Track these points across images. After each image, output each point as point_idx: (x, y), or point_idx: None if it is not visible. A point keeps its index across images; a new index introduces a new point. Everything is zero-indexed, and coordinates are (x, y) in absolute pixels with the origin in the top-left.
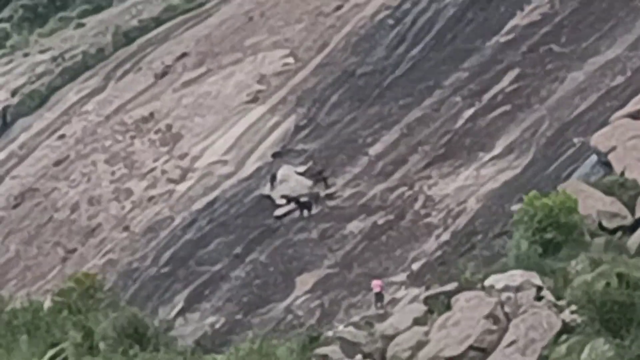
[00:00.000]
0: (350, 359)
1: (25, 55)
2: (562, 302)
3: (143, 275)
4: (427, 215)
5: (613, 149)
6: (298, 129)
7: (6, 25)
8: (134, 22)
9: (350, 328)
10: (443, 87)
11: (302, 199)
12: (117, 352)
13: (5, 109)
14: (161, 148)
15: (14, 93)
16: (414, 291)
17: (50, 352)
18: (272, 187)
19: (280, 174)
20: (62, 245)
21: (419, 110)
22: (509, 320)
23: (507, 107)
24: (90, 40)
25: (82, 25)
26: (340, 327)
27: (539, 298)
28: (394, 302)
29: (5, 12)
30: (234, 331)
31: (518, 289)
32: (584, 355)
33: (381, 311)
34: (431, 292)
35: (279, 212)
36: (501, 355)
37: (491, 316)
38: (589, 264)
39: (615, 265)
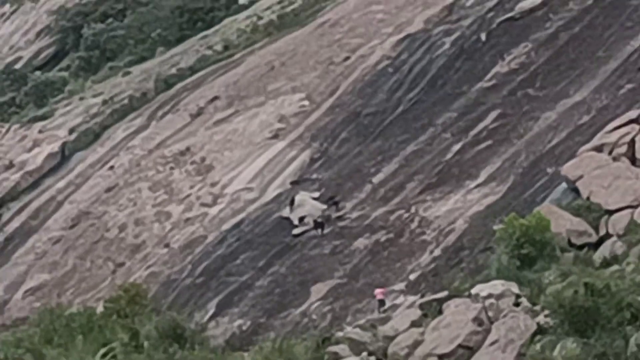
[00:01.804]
0: (357, 356)
1: (81, 98)
2: (537, 308)
3: (180, 285)
4: (422, 233)
5: (580, 177)
6: (313, 161)
7: (65, 73)
8: (173, 71)
9: (357, 329)
10: (435, 125)
11: (317, 220)
12: (159, 350)
13: (64, 144)
14: (196, 177)
15: (71, 131)
16: (411, 298)
17: (102, 350)
18: (291, 210)
19: (297, 199)
20: (112, 259)
21: (414, 145)
22: (491, 323)
23: (489, 142)
24: (135, 86)
25: (128, 73)
26: (349, 329)
27: (517, 304)
28: (394, 307)
29: (64, 63)
30: (258, 332)
31: (499, 296)
32: (556, 352)
33: (383, 315)
34: (425, 299)
35: (296, 231)
36: (485, 353)
37: (477, 319)
38: (560, 275)
39: (582, 276)
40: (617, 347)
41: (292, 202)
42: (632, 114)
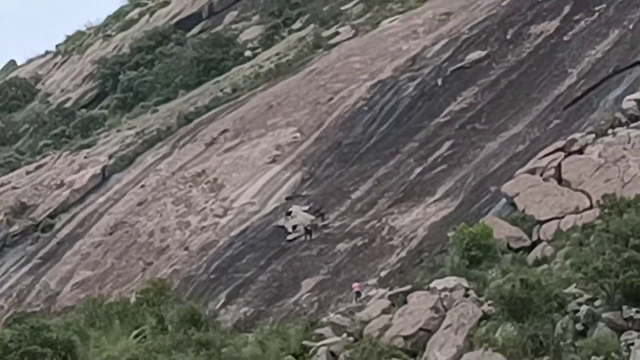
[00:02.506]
0: (338, 336)
1: (118, 131)
2: (482, 298)
3: (197, 280)
4: (391, 239)
5: (517, 194)
6: (303, 181)
7: (105, 111)
8: (192, 109)
9: (339, 315)
10: (401, 153)
11: (307, 228)
12: (180, 332)
13: (104, 167)
14: (210, 194)
15: (110, 157)
16: (382, 291)
17: (135, 332)
18: (286, 220)
19: (289, 212)
20: (142, 260)
21: (384, 168)
22: (446, 310)
23: (444, 166)
24: (161, 121)
25: (156, 110)
26: (332, 315)
27: (466, 295)
28: (368, 298)
29: (105, 102)
30: (260, 318)
31: (452, 289)
32: (497, 334)
33: (359, 304)
34: (393, 291)
35: (290, 237)
36: (441, 335)
37: (434, 308)
38: (500, 272)
39: (518, 273)
40: (546, 330)
41: (287, 214)
42: (559, 144)
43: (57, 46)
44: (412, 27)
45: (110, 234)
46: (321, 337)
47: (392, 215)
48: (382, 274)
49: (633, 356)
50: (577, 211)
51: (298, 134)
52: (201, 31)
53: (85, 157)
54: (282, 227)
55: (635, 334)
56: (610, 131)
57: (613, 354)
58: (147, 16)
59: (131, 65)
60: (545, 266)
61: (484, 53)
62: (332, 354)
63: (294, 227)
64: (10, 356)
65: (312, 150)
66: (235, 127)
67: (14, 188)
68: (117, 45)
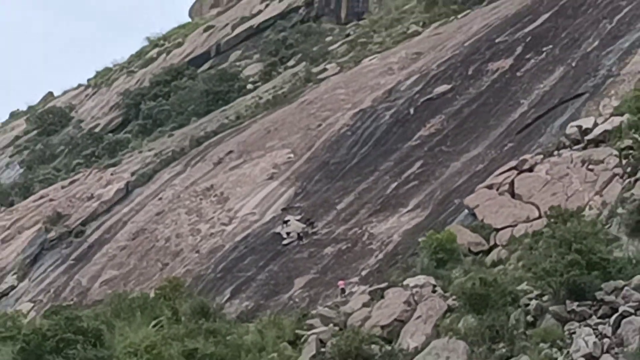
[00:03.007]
0: (326, 326)
1: (139, 152)
2: (447, 294)
3: (206, 278)
4: (370, 244)
5: (477, 206)
6: (296, 195)
7: (129, 135)
8: (202, 133)
9: (326, 309)
10: (379, 171)
11: (299, 234)
12: (192, 322)
13: (128, 182)
14: (217, 205)
15: (133, 174)
16: (363, 287)
17: (153, 322)
18: (282, 228)
19: (285, 221)
20: (160, 261)
21: (365, 184)
22: (417, 304)
23: (416, 182)
24: (176, 144)
25: (172, 135)
26: (320, 308)
27: (434, 291)
28: (351, 294)
29: (128, 128)
30: (259, 310)
31: (422, 286)
32: (460, 324)
33: (344, 299)
34: (372, 288)
35: (285, 242)
36: (412, 324)
37: (407, 302)
38: (463, 272)
39: (478, 273)
40: (501, 321)
41: (284, 222)
42: (512, 163)
43: (88, 80)
44: (388, 65)
45: (133, 239)
46: (311, 326)
47: (371, 224)
48: (363, 273)
49: (575, 343)
50: (527, 220)
51: (292, 155)
52: (210, 68)
53: (112, 174)
54: (278, 233)
55: (576, 324)
56: (556, 152)
57: (558, 341)
58: (164, 55)
59: (150, 96)
60: (500, 267)
61: (449, 86)
62: (321, 341)
63: (288, 233)
64: (48, 342)
65: (304, 169)
66: (238, 148)
67: (51, 200)
68: (138, 79)
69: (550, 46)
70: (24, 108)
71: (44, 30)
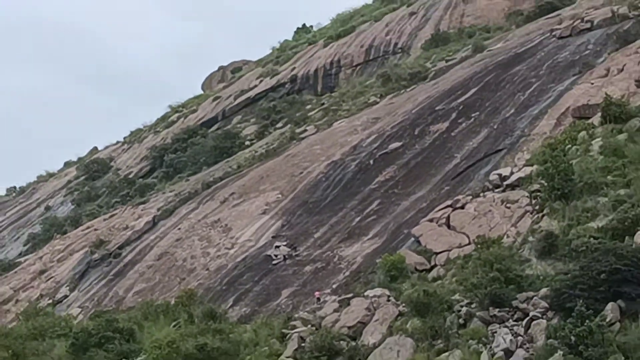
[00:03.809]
0: (305, 327)
1: (163, 193)
2: (398, 302)
3: (214, 290)
4: (339, 264)
5: (421, 235)
6: (282, 226)
7: (155, 180)
8: (211, 178)
9: (306, 313)
10: (346, 208)
11: (285, 256)
12: (203, 323)
13: (154, 216)
14: (222, 234)
15: (158, 210)
16: (334, 297)
17: (173, 323)
18: (272, 251)
19: (275, 246)
20: (179, 276)
21: (336, 218)
22: (375, 310)
23: (374, 217)
24: (191, 187)
25: (188, 179)
26: (301, 313)
27: (388, 300)
28: (324, 302)
29: (155, 174)
30: (254, 314)
31: (379, 296)
32: (408, 325)
33: (319, 306)
34: (341, 297)
35: (274, 262)
36: (372, 326)
37: (367, 308)
38: (410, 285)
39: (421, 286)
40: (440, 323)
41: (276, 247)
42: (448, 202)
43: (124, 138)
44: (353, 127)
45: (158, 259)
46: (294, 327)
47: (340, 248)
48: (334, 286)
49: (496, 340)
50: (460, 246)
51: (280, 195)
52: (217, 129)
53: (142, 210)
54: (269, 255)
55: (497, 325)
56: (481, 194)
57: (483, 339)
58: (182, 118)
59: (172, 150)
60: (439, 281)
61: (400, 144)
62: (302, 338)
63: (277, 255)
64: (92, 339)
65: (289, 206)
66: (239, 190)
67: (95, 230)
68: (162, 137)
69: (477, 113)
70: (75, 159)
71: (90, 102)
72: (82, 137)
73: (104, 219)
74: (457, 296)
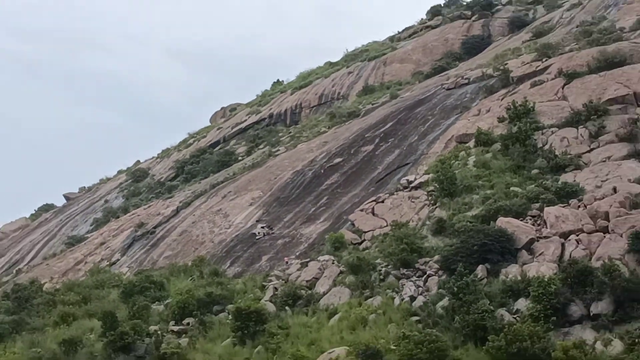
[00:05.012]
0: (278, 280)
1: (183, 191)
2: (340, 265)
3: (217, 256)
4: (300, 239)
5: (355, 219)
6: (263, 214)
7: (178, 182)
8: (215, 182)
9: (278, 272)
10: (305, 202)
11: (264, 233)
12: (209, 278)
13: (178, 207)
14: (223, 219)
15: (180, 202)
16: (297, 261)
17: (190, 278)
18: (256, 230)
19: (258, 227)
20: (193, 247)
21: (298, 208)
22: (324, 270)
23: (324, 207)
24: (202, 187)
25: (200, 182)
26: (275, 272)
27: (333, 263)
28: (291, 264)
29: (178, 179)
30: (244, 273)
31: (327, 260)
32: (346, 280)
33: (287, 267)
34: (302, 261)
35: (257, 237)
36: (322, 280)
37: (319, 268)
38: (348, 253)
39: (355, 254)
40: (367, 278)
41: (262, 228)
42: (373, 198)
43: (157, 154)
44: (310, 148)
45: (180, 235)
46: (270, 281)
47: (302, 229)
48: (297, 253)
49: (404, 290)
50: (381, 227)
51: (261, 193)
52: (220, 148)
53: (169, 202)
54: (254, 233)
55: (406, 280)
56: (395, 193)
57: (396, 289)
58: (196, 142)
59: (189, 163)
60: (367, 251)
61: (341, 159)
62: (275, 288)
63: (259, 233)
64: (135, 288)
65: (267, 200)
66: (234, 190)
67: (138, 215)
68: (183, 154)
69: (393, 139)
70: (124, 168)
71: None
72: (131, 154)
73: (144, 209)
74: (378, 260)
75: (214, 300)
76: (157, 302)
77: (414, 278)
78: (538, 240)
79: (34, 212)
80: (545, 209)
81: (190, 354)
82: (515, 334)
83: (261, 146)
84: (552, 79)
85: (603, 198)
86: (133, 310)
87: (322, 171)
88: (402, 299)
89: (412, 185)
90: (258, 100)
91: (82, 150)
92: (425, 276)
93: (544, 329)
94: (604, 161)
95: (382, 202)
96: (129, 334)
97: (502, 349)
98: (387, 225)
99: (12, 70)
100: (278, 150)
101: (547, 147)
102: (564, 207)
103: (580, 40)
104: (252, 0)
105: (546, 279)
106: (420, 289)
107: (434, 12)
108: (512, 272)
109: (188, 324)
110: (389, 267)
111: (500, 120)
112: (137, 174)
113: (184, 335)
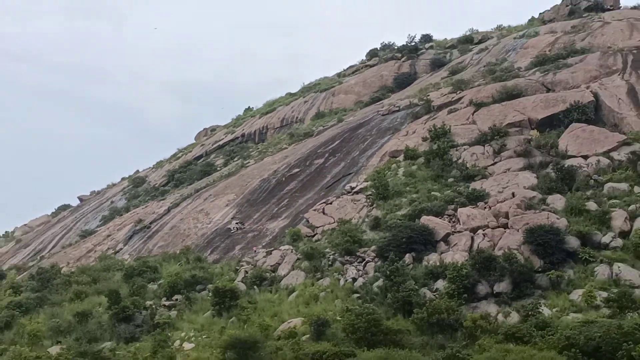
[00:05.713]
0: (248, 265)
1: (173, 194)
2: (297, 253)
3: (200, 246)
4: (266, 232)
5: (310, 217)
6: (237, 213)
7: (169, 187)
8: (199, 187)
9: (248, 258)
10: (270, 203)
11: (237, 228)
12: (193, 263)
13: (169, 207)
14: (205, 216)
15: (171, 203)
16: (263, 250)
17: (178, 263)
18: (231, 225)
19: (232, 223)
20: (181, 239)
21: (264, 208)
22: (285, 257)
23: (284, 208)
24: (188, 191)
25: (187, 188)
26: (246, 258)
27: (292, 252)
28: (258, 252)
29: (170, 184)
30: (222, 259)
31: (286, 250)
32: (302, 265)
33: (256, 255)
34: (267, 250)
35: (232, 232)
36: (283, 265)
37: (281, 256)
38: (303, 244)
39: (309, 244)
40: (318, 263)
41: (236, 224)
42: (324, 200)
43: (153, 165)
44: (274, 160)
45: (170, 230)
46: (242, 265)
47: (267, 224)
48: (263, 244)
49: (348, 273)
50: (330, 224)
51: (235, 196)
52: (203, 160)
53: (162, 203)
54: (229, 228)
55: (349, 265)
56: (341, 196)
57: (341, 272)
58: (184, 155)
59: (179, 172)
60: (318, 242)
61: (299, 169)
62: (246, 271)
63: (233, 228)
64: (135, 271)
65: (240, 202)
66: (214, 193)
67: (137, 213)
68: (173, 164)
69: (339, 154)
70: (127, 176)
71: (134, 148)
72: (132, 165)
73: (142, 208)
74: (327, 250)
75: (197, 281)
76: (152, 283)
77: (356, 264)
78: (453, 234)
79: (54, 210)
80: (459, 209)
81: (178, 323)
82: (435, 308)
83: (235, 159)
84: (465, 107)
85: (504, 201)
86: (133, 289)
87: (284, 179)
88: (346, 280)
89: (354, 190)
90: (233, 122)
91: (93, 161)
92: (364, 262)
93: (457, 304)
94: (505, 172)
95: (331, 203)
96: (129, 308)
97: (424, 320)
98: (334, 222)
99: (45, 97)
100: (249, 162)
101: (460, 161)
102: (473, 208)
103: (486, 77)
104: (228, 45)
105: (459, 265)
106: (360, 272)
107: (372, 54)
108: (432, 259)
109: (176, 299)
110: (336, 255)
111: (424, 139)
112: (137, 180)
113: (173, 308)
